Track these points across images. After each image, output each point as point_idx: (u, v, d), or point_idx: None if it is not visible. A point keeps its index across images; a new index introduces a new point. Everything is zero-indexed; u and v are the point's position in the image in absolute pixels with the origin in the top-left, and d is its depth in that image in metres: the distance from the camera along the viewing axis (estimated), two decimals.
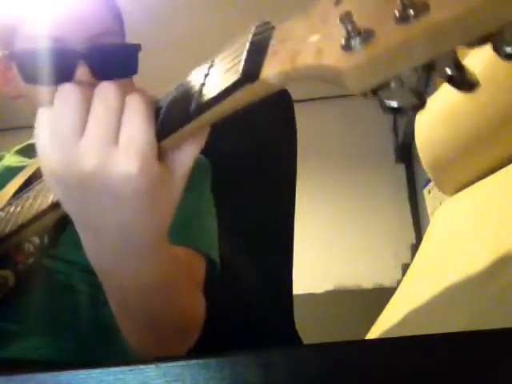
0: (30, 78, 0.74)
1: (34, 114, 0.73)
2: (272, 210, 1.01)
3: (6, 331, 0.68)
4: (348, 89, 0.31)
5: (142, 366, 0.34)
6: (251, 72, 0.36)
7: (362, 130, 3.12)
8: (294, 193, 1.03)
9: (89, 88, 0.42)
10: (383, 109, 0.31)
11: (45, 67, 0.72)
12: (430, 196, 2.22)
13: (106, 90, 0.41)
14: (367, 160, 3.12)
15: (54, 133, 0.41)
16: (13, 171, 0.78)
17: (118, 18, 0.81)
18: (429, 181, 2.12)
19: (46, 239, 0.65)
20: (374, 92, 0.31)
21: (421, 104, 0.31)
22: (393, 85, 0.30)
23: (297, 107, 1.05)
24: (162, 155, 0.41)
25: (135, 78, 0.80)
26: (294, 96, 1.04)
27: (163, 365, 0.34)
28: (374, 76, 0.30)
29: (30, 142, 0.88)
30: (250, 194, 1.01)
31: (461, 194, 0.83)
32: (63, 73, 0.71)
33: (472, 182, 0.80)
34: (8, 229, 0.57)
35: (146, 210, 0.42)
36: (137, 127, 0.40)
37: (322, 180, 3.11)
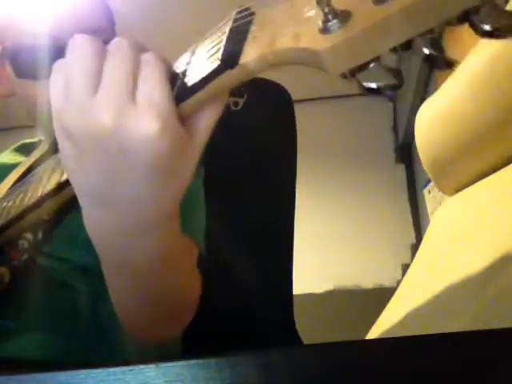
0: (23, 74, 0.74)
1: (27, 113, 0.73)
2: (272, 210, 1.01)
3: (2, 329, 0.68)
4: (327, 71, 0.31)
5: (141, 366, 0.34)
6: (231, 58, 0.36)
7: (362, 130, 3.12)
8: (293, 193, 1.03)
9: (101, 42, 0.39)
10: (361, 89, 0.31)
11: (37, 64, 0.72)
12: (430, 196, 2.22)
13: (122, 44, 0.39)
14: (367, 160, 3.12)
15: (68, 86, 0.38)
16: (7, 169, 0.78)
17: (110, 18, 0.81)
18: (429, 181, 2.12)
19: (39, 235, 0.65)
20: (353, 74, 0.31)
21: (399, 84, 0.30)
22: (371, 65, 0.30)
23: (297, 107, 1.05)
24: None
25: None
26: (294, 96, 1.04)
27: (163, 365, 0.34)
28: (351, 57, 0.30)
29: (26, 141, 0.88)
30: (250, 194, 1.01)
31: (461, 193, 0.83)
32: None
33: (472, 182, 0.80)
34: None
35: (163, 179, 0.39)
36: (156, 85, 0.37)
37: (322, 180, 3.11)
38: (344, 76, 0.31)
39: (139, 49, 0.39)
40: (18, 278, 0.65)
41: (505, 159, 0.72)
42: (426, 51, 0.29)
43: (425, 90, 2.33)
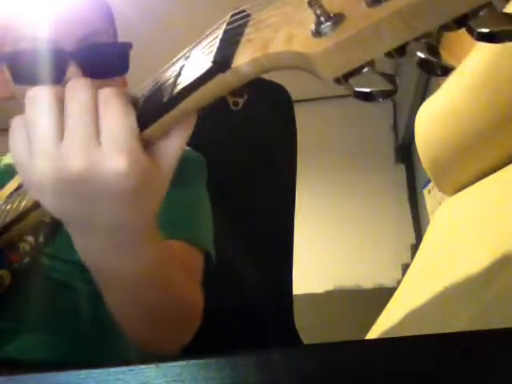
0: (21, 79, 0.74)
1: None
2: (272, 210, 1.01)
3: (3, 331, 0.68)
4: (319, 76, 0.31)
5: (141, 366, 0.34)
6: (223, 61, 0.35)
7: (362, 130, 3.12)
8: (294, 193, 1.03)
9: (58, 87, 0.40)
10: (354, 95, 0.30)
11: (35, 68, 0.72)
12: (430, 196, 2.22)
13: (77, 87, 0.39)
14: (367, 160, 3.12)
15: (32, 140, 0.39)
16: (14, 170, 0.78)
17: (109, 18, 0.81)
18: (429, 181, 2.12)
19: (41, 238, 0.65)
20: (346, 78, 0.30)
21: (393, 90, 0.29)
22: (365, 70, 0.29)
23: (297, 107, 1.05)
24: (147, 146, 0.40)
25: (135, 78, 0.80)
26: (294, 96, 1.04)
27: (163, 365, 0.34)
28: (344, 61, 0.29)
29: None
30: (250, 194, 1.01)
31: (461, 193, 0.83)
32: (54, 73, 0.71)
33: (472, 182, 0.80)
34: None
35: (137, 204, 0.42)
36: (116, 121, 0.38)
37: (322, 180, 3.11)
38: (338, 81, 0.30)
39: (95, 86, 0.40)
40: (19, 281, 0.66)
41: (505, 159, 0.72)
42: (422, 56, 0.28)
43: (425, 90, 2.33)
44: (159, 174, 0.42)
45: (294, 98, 1.04)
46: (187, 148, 0.81)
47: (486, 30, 0.27)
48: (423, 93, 2.33)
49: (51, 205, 0.42)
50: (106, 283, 0.51)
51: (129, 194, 0.40)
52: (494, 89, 0.65)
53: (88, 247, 0.46)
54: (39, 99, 0.39)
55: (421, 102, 0.87)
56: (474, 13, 0.27)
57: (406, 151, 3.04)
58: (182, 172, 0.76)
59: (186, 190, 0.75)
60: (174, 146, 0.41)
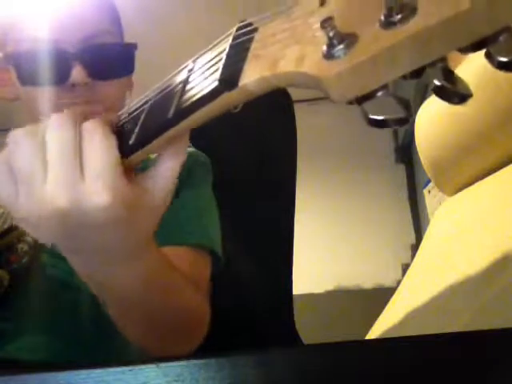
0: (26, 79, 0.74)
1: (30, 117, 0.73)
2: (272, 210, 1.01)
3: (2, 331, 0.68)
4: (331, 98, 0.30)
5: (142, 366, 0.34)
6: (230, 80, 0.34)
7: (362, 130, 3.11)
8: (294, 193, 1.03)
9: (37, 126, 0.41)
10: (366, 120, 0.29)
11: (40, 69, 0.72)
12: (430, 196, 2.22)
13: (59, 126, 0.40)
14: (367, 160, 3.12)
15: (17, 181, 0.40)
16: None
17: (115, 18, 0.80)
18: (429, 181, 2.12)
19: None
20: (360, 101, 0.29)
21: (407, 117, 0.29)
22: (379, 94, 0.28)
23: (297, 107, 1.05)
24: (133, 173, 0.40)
25: (136, 78, 0.80)
26: (294, 96, 1.04)
27: (163, 365, 0.34)
28: (357, 85, 0.28)
29: None
30: (250, 194, 1.01)
31: (461, 194, 0.83)
32: (59, 74, 0.71)
33: (472, 182, 0.80)
34: None
35: (128, 230, 0.42)
36: (99, 156, 0.39)
37: (322, 180, 3.11)
38: (351, 103, 0.29)
39: (78, 119, 0.40)
40: (18, 281, 0.66)
41: (505, 159, 0.72)
42: (438, 83, 0.27)
43: (425, 90, 2.33)
44: (151, 198, 0.42)
45: (294, 98, 1.04)
46: (194, 149, 0.81)
47: (506, 60, 0.26)
48: (423, 93, 2.33)
49: (40, 236, 0.43)
50: (104, 296, 0.52)
51: (115, 224, 0.41)
52: (493, 89, 0.65)
53: (82, 266, 0.47)
54: (21, 144, 0.40)
55: (421, 102, 0.87)
56: (493, 37, 0.26)
57: (406, 151, 3.04)
58: (190, 174, 0.77)
59: (193, 192, 0.75)
60: (167, 168, 0.41)
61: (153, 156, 0.42)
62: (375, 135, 3.16)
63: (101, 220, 0.40)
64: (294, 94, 1.03)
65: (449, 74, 0.28)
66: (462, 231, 0.75)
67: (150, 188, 0.41)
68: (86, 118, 0.40)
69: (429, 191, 2.24)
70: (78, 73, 0.70)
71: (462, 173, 0.81)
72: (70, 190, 0.39)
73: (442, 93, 0.28)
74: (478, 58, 0.70)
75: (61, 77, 0.70)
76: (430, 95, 0.87)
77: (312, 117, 2.85)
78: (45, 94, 0.72)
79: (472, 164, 0.78)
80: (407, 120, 0.29)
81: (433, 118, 0.82)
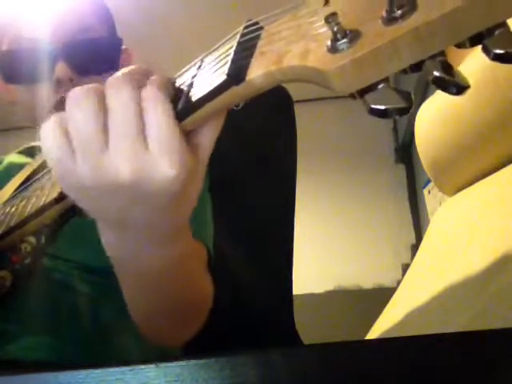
0: (10, 78, 0.74)
1: (25, 116, 0.72)
2: (272, 210, 1.01)
3: (4, 332, 0.68)
4: (334, 90, 0.31)
5: (142, 366, 0.34)
6: (237, 74, 0.35)
7: (362, 130, 3.12)
8: (294, 193, 1.03)
9: (97, 87, 0.38)
10: (368, 111, 0.30)
11: (24, 67, 0.72)
12: (430, 196, 2.22)
13: (118, 88, 0.37)
14: (367, 160, 3.12)
15: (75, 144, 0.37)
16: (15, 168, 0.78)
17: (101, 15, 0.80)
18: (429, 181, 2.12)
19: (42, 239, 0.65)
20: (362, 94, 0.30)
21: (408, 107, 0.30)
22: (380, 87, 0.30)
23: (297, 107, 1.05)
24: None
25: None
26: (294, 96, 1.04)
27: (163, 365, 0.34)
28: (359, 78, 0.29)
29: (30, 144, 0.88)
30: (250, 193, 1.01)
31: (461, 194, 0.83)
32: (43, 71, 0.71)
33: (472, 182, 0.80)
34: (1, 230, 0.57)
35: (176, 205, 0.41)
36: (163, 126, 0.37)
37: (322, 180, 3.11)
38: (353, 96, 0.31)
39: (136, 83, 0.38)
40: (20, 282, 0.66)
41: (505, 159, 0.72)
42: (437, 74, 0.28)
43: (425, 90, 2.33)
44: (199, 169, 0.41)
45: (294, 98, 1.04)
46: None
47: (501, 51, 0.27)
48: (423, 93, 2.33)
49: (88, 207, 0.41)
50: (129, 276, 0.50)
51: (172, 197, 0.39)
52: (493, 89, 0.65)
53: (117, 242, 0.45)
54: (82, 101, 0.37)
55: (421, 103, 0.87)
56: (489, 32, 0.27)
57: (406, 151, 3.04)
58: None
59: None
60: (209, 137, 0.40)
61: None
62: (375, 135, 3.16)
63: (161, 194, 0.38)
64: (294, 94, 1.03)
65: (448, 68, 0.29)
66: (462, 231, 0.75)
67: (197, 156, 0.40)
68: (141, 81, 0.38)
69: (429, 191, 2.24)
70: (61, 69, 0.71)
71: (462, 173, 0.81)
72: (134, 160, 0.36)
73: (440, 83, 0.29)
74: (478, 59, 0.70)
75: (45, 74, 0.71)
76: (430, 94, 0.87)
77: (312, 117, 2.85)
78: (32, 93, 0.72)
79: (472, 164, 0.78)
80: (408, 110, 0.30)
81: (433, 118, 0.82)
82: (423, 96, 2.29)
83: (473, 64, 0.67)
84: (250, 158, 1.02)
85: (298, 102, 1.07)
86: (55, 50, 0.71)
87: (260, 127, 1.02)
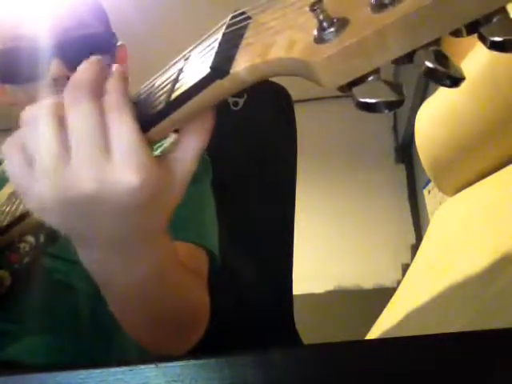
0: (6, 78, 0.74)
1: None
2: (272, 210, 1.01)
3: (3, 332, 0.68)
4: (321, 84, 0.29)
5: (142, 366, 0.34)
6: (221, 67, 0.33)
7: (362, 130, 3.12)
8: (294, 193, 1.03)
9: (53, 102, 0.37)
10: (355, 104, 0.28)
11: (19, 66, 0.72)
12: (430, 196, 2.22)
13: (76, 100, 0.36)
14: (367, 160, 3.12)
15: (33, 161, 0.37)
16: None
17: (94, 10, 0.80)
18: (429, 181, 2.12)
19: (41, 238, 0.65)
20: (351, 87, 0.28)
21: (399, 101, 0.27)
22: (370, 78, 0.27)
23: (297, 107, 1.05)
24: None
25: (136, 78, 0.80)
26: (294, 96, 1.04)
27: (163, 365, 0.34)
28: (347, 69, 0.27)
29: None
30: (250, 194, 1.01)
31: (461, 194, 0.83)
32: (38, 70, 0.71)
33: (472, 182, 0.80)
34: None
35: (147, 216, 0.40)
36: (126, 132, 0.36)
37: (322, 180, 3.11)
38: (342, 89, 0.28)
39: (96, 89, 0.37)
40: (19, 281, 0.65)
41: (505, 159, 0.72)
42: (429, 65, 0.26)
43: (425, 90, 2.33)
44: (173, 181, 0.39)
45: (294, 98, 1.04)
46: None
47: (499, 39, 0.25)
48: (423, 93, 2.33)
49: (55, 223, 0.40)
50: (113, 293, 0.49)
51: (140, 207, 0.38)
52: (493, 89, 0.65)
53: (91, 258, 0.44)
54: (37, 119, 0.37)
55: (421, 103, 0.87)
56: (486, 19, 0.25)
57: (406, 151, 3.04)
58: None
59: (193, 187, 0.75)
60: (188, 151, 0.39)
61: None
62: (375, 135, 3.16)
63: (125, 204, 0.37)
64: (294, 94, 1.03)
65: (442, 58, 0.27)
66: (462, 231, 0.75)
67: (172, 169, 0.39)
68: (99, 87, 0.37)
69: (429, 191, 2.24)
70: (56, 67, 0.70)
71: (462, 173, 0.81)
72: (96, 170, 0.35)
73: (433, 75, 0.27)
74: (478, 59, 0.70)
75: (41, 72, 0.71)
76: (430, 94, 0.87)
77: (312, 117, 2.84)
78: (28, 92, 0.72)
79: (472, 164, 0.78)
80: (399, 104, 0.27)
81: (433, 118, 0.82)
82: (423, 96, 2.30)
83: (473, 63, 0.67)
84: (249, 158, 1.02)
85: (297, 101, 1.07)
86: (50, 47, 0.71)
87: (260, 127, 1.02)
